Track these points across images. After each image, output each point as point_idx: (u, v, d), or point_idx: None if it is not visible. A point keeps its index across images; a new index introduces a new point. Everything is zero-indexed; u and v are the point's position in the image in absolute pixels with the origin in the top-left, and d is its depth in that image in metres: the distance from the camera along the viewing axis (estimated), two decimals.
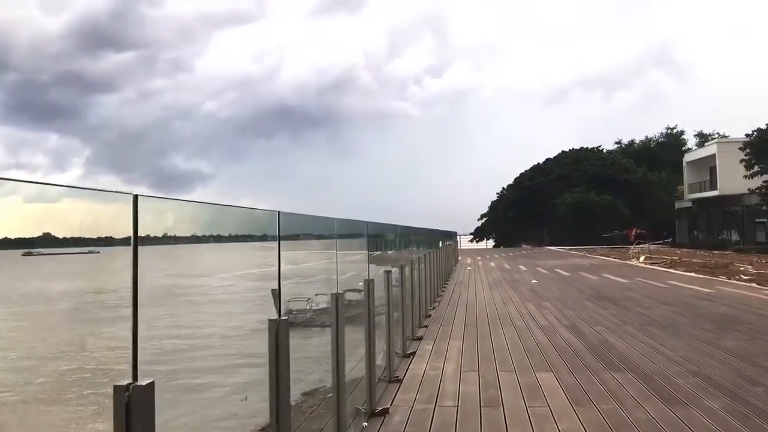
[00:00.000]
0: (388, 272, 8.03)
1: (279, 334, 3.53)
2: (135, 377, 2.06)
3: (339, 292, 5.10)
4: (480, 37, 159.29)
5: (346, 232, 6.79)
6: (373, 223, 7.88)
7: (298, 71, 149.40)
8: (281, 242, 5.79)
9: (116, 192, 2.10)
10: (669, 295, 17.17)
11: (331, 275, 6.98)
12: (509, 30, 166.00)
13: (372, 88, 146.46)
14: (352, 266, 7.06)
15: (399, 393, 7.32)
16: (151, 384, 2.07)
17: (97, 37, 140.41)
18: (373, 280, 6.68)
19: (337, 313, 5.07)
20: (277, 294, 3.55)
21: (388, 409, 6.63)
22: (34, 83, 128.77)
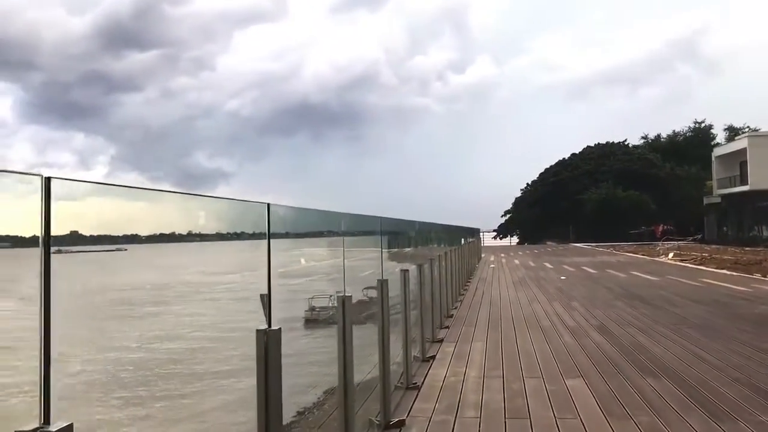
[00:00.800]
0: (405, 271, 7.51)
1: (269, 346, 3.01)
2: (46, 419, 1.53)
3: (345, 294, 4.56)
4: (503, 31, 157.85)
5: (357, 228, 6.28)
6: (387, 218, 7.34)
7: (319, 69, 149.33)
8: (288, 240, 5.30)
9: (21, 173, 1.58)
10: (702, 294, 16.41)
11: (350, 273, 6.52)
12: (532, 24, 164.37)
13: (393, 85, 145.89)
14: (372, 263, 6.56)
15: (417, 402, 6.79)
16: (69, 428, 1.55)
17: (120, 36, 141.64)
18: (387, 280, 6.15)
19: (344, 318, 4.54)
20: (266, 300, 3.03)
21: (404, 420, 6.10)
22: (60, 83, 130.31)
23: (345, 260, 5.04)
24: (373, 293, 6.38)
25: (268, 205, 3.03)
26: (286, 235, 5.73)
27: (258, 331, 3.01)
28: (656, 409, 6.24)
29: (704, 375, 7.56)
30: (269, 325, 3.03)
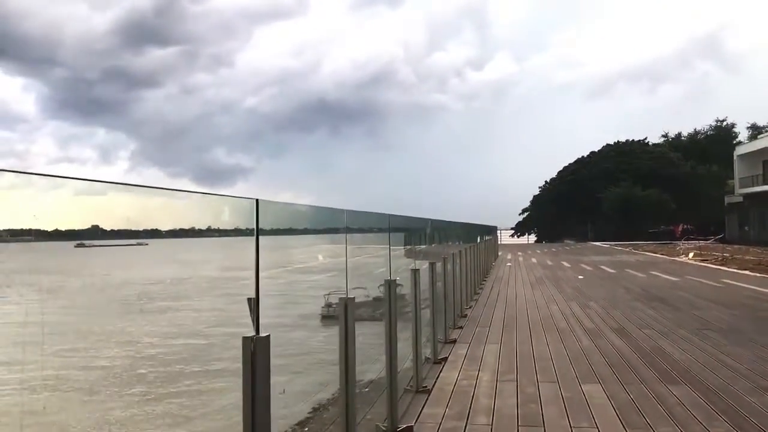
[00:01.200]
0: (415, 270, 7.24)
1: (256, 355, 2.75)
2: None
3: (349, 296, 4.30)
4: (522, 28, 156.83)
5: (365, 225, 6.02)
6: (396, 216, 7.07)
7: (337, 66, 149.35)
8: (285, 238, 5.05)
9: None
10: (725, 296, 15.97)
11: (365, 269, 6.29)
12: (552, 21, 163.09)
13: (412, 82, 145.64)
14: (391, 261, 6.32)
15: (426, 407, 6.52)
16: None
17: (141, 32, 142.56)
18: (395, 280, 5.89)
19: (346, 321, 4.28)
20: (254, 304, 2.77)
21: (412, 427, 5.83)
22: (82, 79, 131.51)
23: (349, 260, 4.78)
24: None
25: (257, 200, 2.77)
26: (304, 231, 5.52)
27: (245, 338, 2.75)
28: (678, 419, 5.91)
29: (728, 382, 7.22)
30: (257, 332, 2.76)
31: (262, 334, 2.77)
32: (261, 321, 2.84)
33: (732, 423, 5.74)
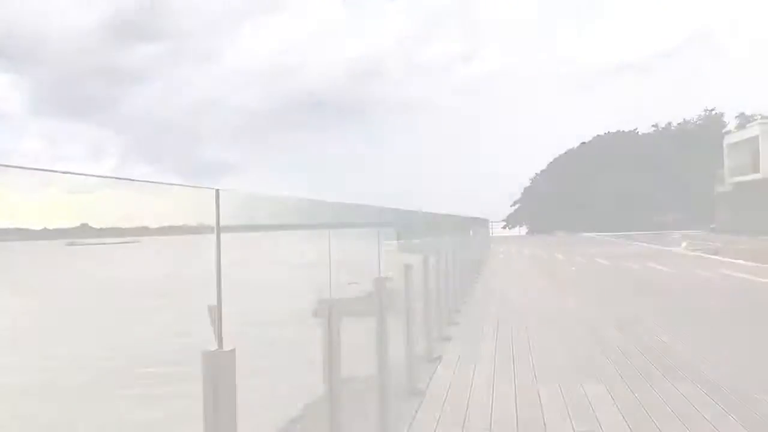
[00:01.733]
0: (407, 266, 6.85)
1: (218, 373, 2.34)
2: None
3: (333, 297, 3.90)
4: (512, 21, 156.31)
5: (352, 219, 5.63)
6: (386, 208, 6.67)
7: (327, 60, 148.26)
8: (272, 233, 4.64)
9: None
10: (725, 286, 15.70)
11: (358, 267, 5.91)
12: (542, 14, 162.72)
13: (403, 75, 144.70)
14: (381, 257, 5.94)
15: (419, 411, 6.13)
16: None
17: (128, 28, 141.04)
18: (385, 278, 5.50)
19: (330, 327, 3.87)
20: (216, 313, 2.35)
21: None
22: (69, 76, 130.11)
23: (340, 253, 4.38)
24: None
25: (217, 191, 2.35)
26: (303, 227, 5.10)
27: (205, 353, 2.33)
28: (688, 419, 5.53)
29: (739, 380, 6.83)
30: (220, 345, 2.35)
31: (227, 348, 2.36)
32: (253, 318, 2.44)
33: (745, 423, 5.38)
